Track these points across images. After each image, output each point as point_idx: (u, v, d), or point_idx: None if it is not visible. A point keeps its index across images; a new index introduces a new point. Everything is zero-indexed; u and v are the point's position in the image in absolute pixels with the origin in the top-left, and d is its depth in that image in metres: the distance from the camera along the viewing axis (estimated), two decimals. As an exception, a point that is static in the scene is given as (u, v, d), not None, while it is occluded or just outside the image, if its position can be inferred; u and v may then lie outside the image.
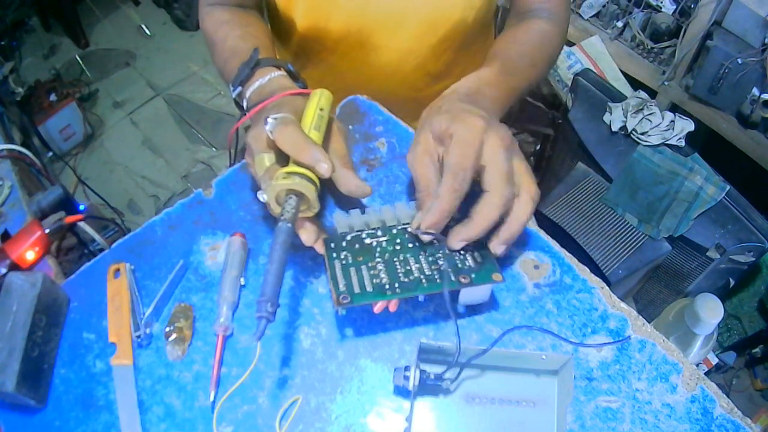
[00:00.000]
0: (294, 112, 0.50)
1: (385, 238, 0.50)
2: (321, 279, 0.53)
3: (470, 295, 0.48)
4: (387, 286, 0.46)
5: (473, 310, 0.51)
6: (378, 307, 0.46)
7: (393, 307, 0.47)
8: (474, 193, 0.47)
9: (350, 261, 0.49)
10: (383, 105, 0.66)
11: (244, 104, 0.58)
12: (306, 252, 0.54)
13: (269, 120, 0.47)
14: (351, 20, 0.70)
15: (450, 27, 0.72)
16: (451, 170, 0.45)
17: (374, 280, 0.47)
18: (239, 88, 0.58)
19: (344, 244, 0.50)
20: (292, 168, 0.46)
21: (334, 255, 0.49)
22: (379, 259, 0.48)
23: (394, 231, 0.51)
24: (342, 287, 0.46)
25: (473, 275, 0.46)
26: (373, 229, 0.51)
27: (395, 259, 0.48)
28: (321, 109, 0.51)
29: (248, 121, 0.55)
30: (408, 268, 0.47)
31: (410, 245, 0.49)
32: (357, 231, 0.51)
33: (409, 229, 0.49)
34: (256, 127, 0.50)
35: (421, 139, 0.49)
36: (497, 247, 0.48)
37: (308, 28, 0.71)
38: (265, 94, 0.54)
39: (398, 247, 0.49)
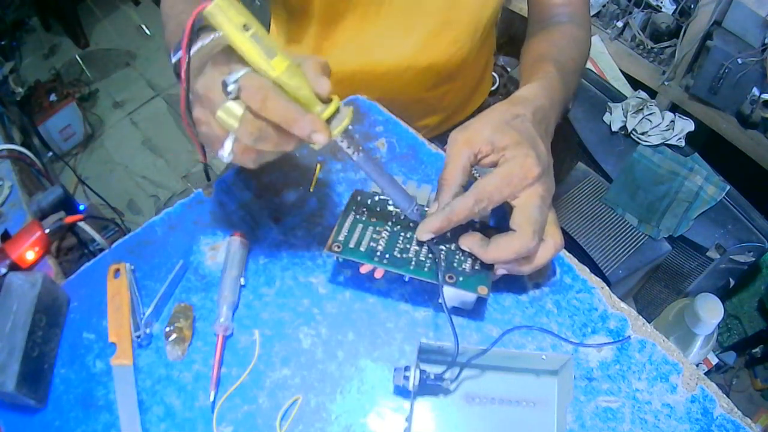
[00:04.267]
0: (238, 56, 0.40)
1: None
2: (321, 279, 0.53)
3: (453, 296, 0.48)
4: (378, 254, 0.48)
5: (460, 312, 0.51)
6: (364, 268, 0.48)
7: (378, 273, 0.48)
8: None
9: (364, 218, 0.50)
10: (390, 104, 0.66)
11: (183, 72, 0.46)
12: (306, 252, 0.55)
13: (230, 86, 0.39)
14: (365, 18, 0.70)
15: (463, 27, 0.72)
16: (478, 194, 0.44)
17: (371, 244, 0.48)
18: (180, 54, 0.46)
19: (369, 201, 0.52)
20: (329, 110, 0.40)
21: (354, 207, 0.51)
22: (387, 228, 0.50)
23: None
24: (341, 237, 0.48)
25: (461, 278, 0.46)
26: None
27: (402, 234, 0.49)
28: (245, 26, 0.38)
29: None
30: (407, 246, 0.49)
31: None
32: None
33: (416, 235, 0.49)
34: (209, 75, 0.42)
35: (476, 131, 0.46)
36: (499, 269, 0.48)
37: (322, 24, 0.71)
38: (204, 54, 0.45)
39: (412, 225, 0.50)
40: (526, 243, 0.44)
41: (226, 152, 0.41)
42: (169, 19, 0.59)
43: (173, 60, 0.49)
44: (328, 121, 0.41)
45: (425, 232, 0.47)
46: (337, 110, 0.41)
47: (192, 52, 0.45)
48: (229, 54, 0.41)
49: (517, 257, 0.45)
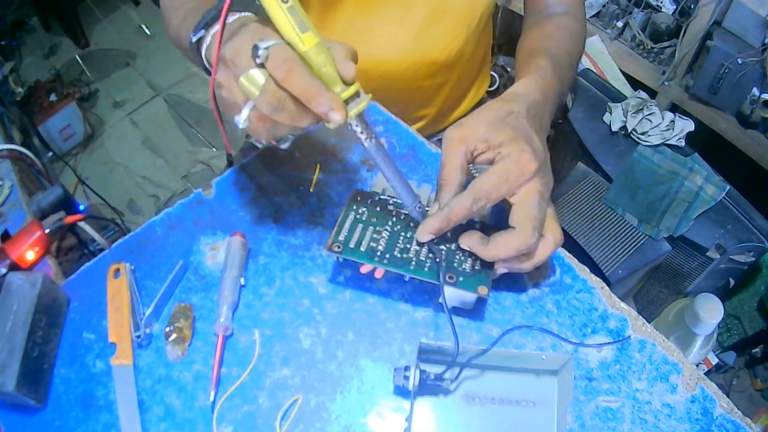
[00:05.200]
0: (275, 34, 0.42)
1: (406, 212, 0.51)
2: (321, 279, 0.53)
3: (453, 296, 0.48)
4: (378, 254, 0.48)
5: (460, 312, 0.51)
6: (364, 268, 0.48)
7: (378, 273, 0.48)
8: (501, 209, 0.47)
9: (364, 218, 0.50)
10: (386, 95, 0.66)
11: (203, 51, 0.48)
12: (306, 252, 0.55)
13: (260, 50, 0.40)
14: (358, 8, 0.70)
15: (459, 16, 0.72)
16: (476, 192, 0.44)
17: (371, 244, 0.48)
18: (201, 32, 0.48)
19: (369, 201, 0.52)
20: (346, 93, 0.41)
21: (354, 207, 0.51)
22: (387, 228, 0.50)
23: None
24: (341, 237, 0.48)
25: (461, 278, 0.46)
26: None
27: (402, 234, 0.49)
28: (284, 1, 0.41)
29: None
30: (408, 246, 0.49)
31: None
32: (387, 195, 0.53)
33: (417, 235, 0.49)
34: (239, 40, 0.43)
35: (471, 128, 0.46)
36: (499, 267, 0.48)
37: (315, 15, 0.71)
38: (230, 30, 0.46)
39: (412, 224, 0.50)
40: (526, 239, 0.44)
41: (242, 119, 0.43)
42: (173, 11, 0.60)
43: (194, 39, 0.48)
44: (346, 102, 0.41)
45: (425, 233, 0.47)
46: (357, 94, 0.42)
47: (215, 29, 0.46)
48: (263, 25, 0.43)
49: (517, 254, 0.45)
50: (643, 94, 1.26)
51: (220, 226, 0.57)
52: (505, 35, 1.61)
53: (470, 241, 0.47)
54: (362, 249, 0.48)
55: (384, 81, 0.76)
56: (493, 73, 0.97)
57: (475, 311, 0.50)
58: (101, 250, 0.62)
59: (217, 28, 0.46)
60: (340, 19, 0.71)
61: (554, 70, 0.55)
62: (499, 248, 0.45)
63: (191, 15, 0.54)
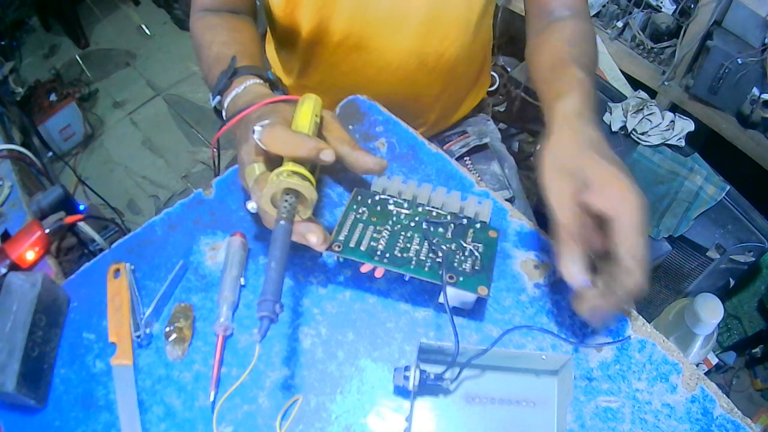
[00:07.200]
0: (282, 119, 0.48)
1: (407, 211, 0.52)
2: (321, 279, 0.53)
3: (453, 296, 0.48)
4: (378, 253, 0.48)
5: (460, 312, 0.50)
6: (364, 268, 0.48)
7: (378, 273, 0.49)
8: None
9: (364, 218, 0.51)
10: (385, 104, 0.66)
11: (224, 114, 0.56)
12: (306, 252, 0.54)
13: (256, 128, 0.45)
14: (353, 20, 0.70)
15: (452, 27, 0.72)
16: (635, 258, 0.42)
17: (371, 243, 0.48)
18: (218, 98, 0.56)
19: (369, 201, 0.52)
20: (287, 167, 0.44)
21: (355, 207, 0.52)
22: (388, 227, 0.50)
23: (420, 209, 0.52)
24: (342, 236, 0.49)
25: (461, 278, 0.46)
26: (403, 199, 0.53)
27: (402, 233, 0.50)
28: (316, 115, 0.50)
29: (230, 131, 0.53)
30: (408, 245, 0.49)
31: (424, 226, 0.51)
32: (387, 195, 0.53)
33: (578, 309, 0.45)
34: (246, 140, 0.49)
35: (563, 182, 0.46)
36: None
37: (312, 30, 0.71)
38: (241, 104, 0.53)
39: (413, 224, 0.50)
40: (637, 279, 0.42)
41: (250, 206, 0.47)
42: (201, 48, 0.65)
43: (213, 103, 0.58)
44: (288, 174, 0.44)
45: (592, 312, 0.44)
46: (303, 177, 0.45)
47: (228, 99, 0.55)
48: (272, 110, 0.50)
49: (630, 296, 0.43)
50: (643, 94, 1.26)
51: (220, 226, 0.57)
52: (505, 35, 1.61)
53: (590, 305, 0.44)
54: (362, 248, 0.48)
55: (382, 92, 0.75)
56: (493, 73, 0.97)
57: (475, 311, 0.50)
58: (101, 250, 0.62)
59: (230, 97, 0.55)
60: (335, 33, 0.71)
61: (590, 81, 0.54)
62: (618, 297, 0.43)
63: (214, 65, 0.60)
